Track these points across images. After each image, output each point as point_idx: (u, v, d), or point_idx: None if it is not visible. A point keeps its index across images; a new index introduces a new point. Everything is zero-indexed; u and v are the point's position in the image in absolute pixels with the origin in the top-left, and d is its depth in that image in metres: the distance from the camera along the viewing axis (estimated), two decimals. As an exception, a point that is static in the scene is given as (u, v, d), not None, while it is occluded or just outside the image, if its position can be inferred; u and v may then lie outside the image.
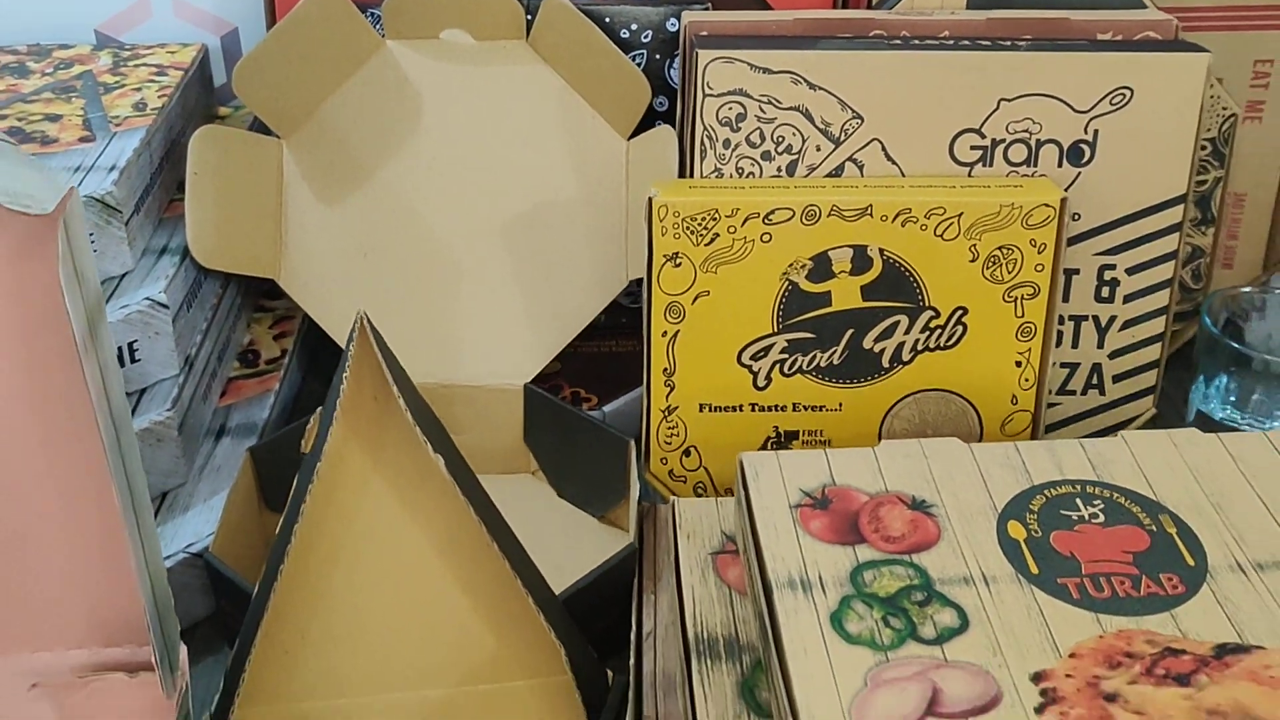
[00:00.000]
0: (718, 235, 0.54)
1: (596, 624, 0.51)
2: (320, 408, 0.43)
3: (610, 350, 0.70)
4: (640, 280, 0.57)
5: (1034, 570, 0.41)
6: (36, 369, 0.39)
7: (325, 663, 0.48)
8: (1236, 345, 0.59)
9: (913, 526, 0.43)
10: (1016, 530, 0.43)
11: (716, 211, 0.54)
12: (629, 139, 0.63)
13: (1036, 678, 0.38)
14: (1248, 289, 0.63)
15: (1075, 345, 0.60)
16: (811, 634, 0.39)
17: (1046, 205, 0.54)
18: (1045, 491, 0.45)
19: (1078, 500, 0.44)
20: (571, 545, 0.60)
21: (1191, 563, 0.42)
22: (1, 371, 0.38)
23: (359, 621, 0.47)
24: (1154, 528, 0.43)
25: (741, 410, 0.57)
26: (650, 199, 0.54)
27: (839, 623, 0.39)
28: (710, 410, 0.58)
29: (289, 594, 0.46)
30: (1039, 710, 0.36)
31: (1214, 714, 0.36)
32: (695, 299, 0.56)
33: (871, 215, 0.54)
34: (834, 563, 0.42)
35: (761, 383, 0.57)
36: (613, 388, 0.67)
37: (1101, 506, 0.44)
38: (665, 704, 0.48)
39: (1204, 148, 0.63)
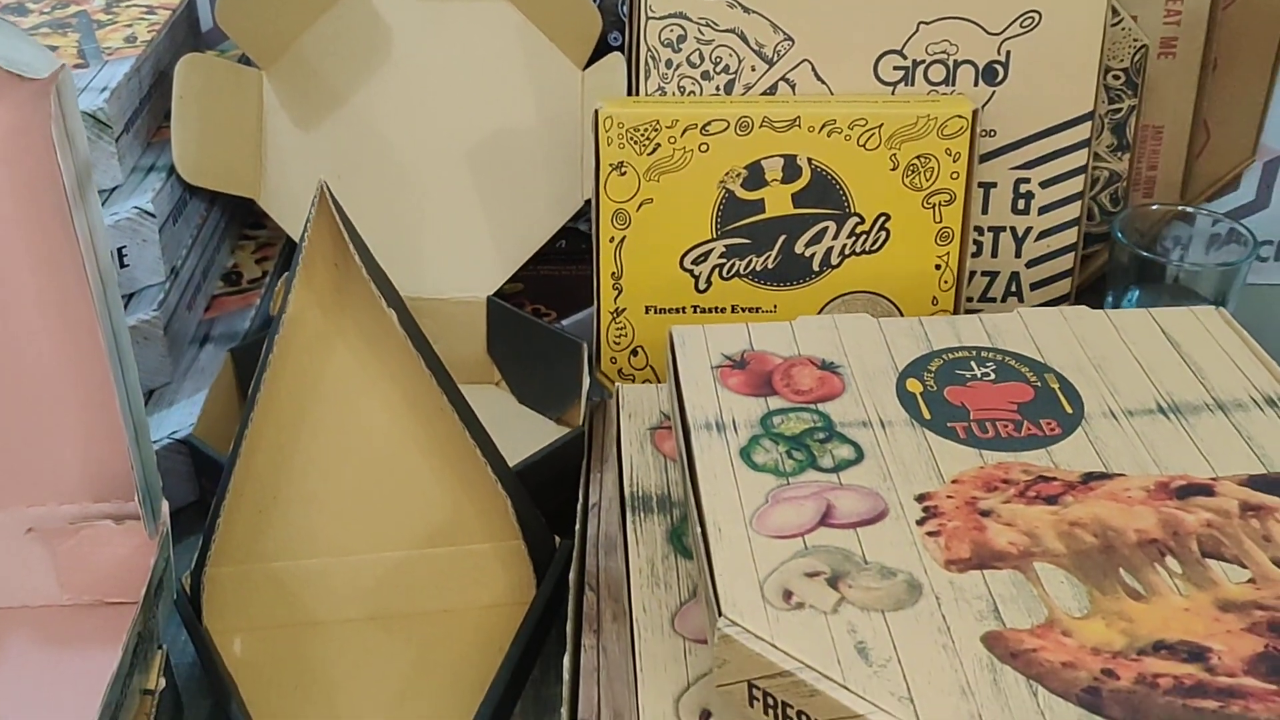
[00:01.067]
0: (659, 145, 0.59)
1: (548, 501, 0.56)
2: (285, 274, 0.47)
3: (570, 274, 0.74)
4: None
5: (926, 416, 0.46)
6: (30, 225, 0.43)
7: (294, 523, 0.52)
8: (1146, 254, 0.64)
9: (820, 382, 0.48)
10: (914, 386, 0.48)
11: (657, 122, 0.59)
12: (584, 69, 0.68)
13: (921, 498, 0.42)
14: (1157, 205, 0.68)
15: (995, 255, 0.65)
16: (722, 464, 0.44)
17: (959, 116, 0.59)
18: (943, 355, 0.49)
19: (972, 363, 0.49)
20: (530, 444, 0.65)
21: (1069, 410, 0.46)
22: (2, 220, 0.43)
23: (325, 483, 0.52)
24: (1039, 384, 0.48)
25: (684, 312, 0.62)
26: (596, 111, 0.59)
27: (747, 455, 0.44)
28: (655, 312, 0.62)
29: (257, 454, 0.50)
30: (920, 522, 0.41)
31: (1075, 525, 0.41)
32: (640, 206, 0.60)
33: (800, 126, 0.59)
34: (747, 410, 0.46)
35: (702, 286, 0.62)
36: (570, 306, 0.71)
37: (993, 367, 0.49)
38: (606, 561, 0.52)
39: (1117, 77, 0.67)
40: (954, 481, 0.43)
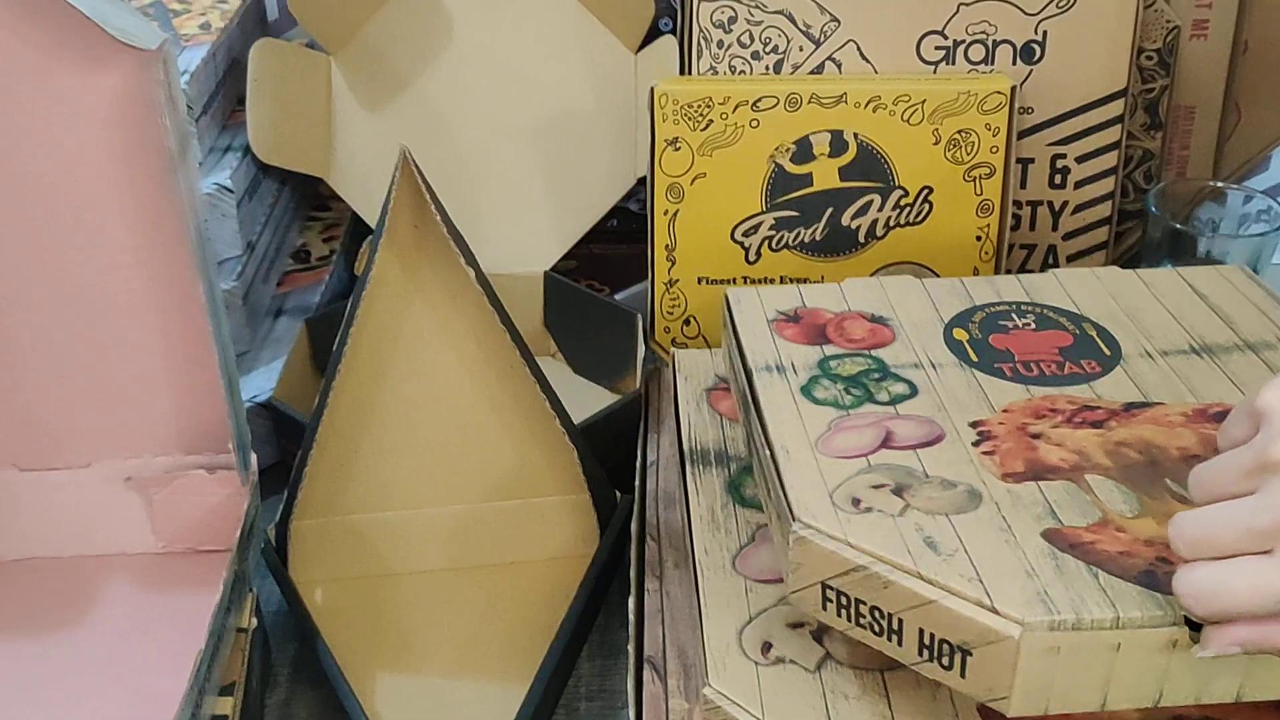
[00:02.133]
0: (712, 121, 0.62)
1: (607, 460, 0.59)
2: (370, 235, 0.51)
3: (621, 251, 0.77)
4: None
5: (974, 358, 0.49)
6: (133, 187, 0.46)
7: (374, 476, 0.55)
8: (1179, 226, 0.66)
9: (871, 333, 0.51)
10: (960, 334, 0.50)
11: (710, 99, 0.62)
12: (636, 52, 0.71)
13: (974, 424, 0.45)
14: (1192, 180, 0.70)
15: (1033, 228, 0.67)
16: (785, 400, 0.46)
17: (998, 92, 0.61)
18: (985, 309, 0.52)
19: (1013, 314, 0.52)
20: (586, 412, 0.68)
21: (1108, 353, 0.49)
22: (107, 183, 0.46)
23: (402, 436, 0.55)
24: (1077, 331, 0.50)
25: (735, 282, 0.65)
26: (652, 89, 0.62)
27: (808, 392, 0.47)
28: (707, 283, 0.65)
29: (340, 409, 0.53)
30: (975, 444, 0.44)
31: (1121, 444, 0.43)
32: (693, 180, 0.63)
33: (846, 102, 0.62)
34: (804, 355, 0.49)
35: (752, 257, 0.65)
36: (622, 281, 0.74)
37: (1033, 318, 0.51)
38: (665, 514, 0.55)
39: (1150, 57, 0.70)
40: (1005, 410, 0.46)
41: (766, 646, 0.44)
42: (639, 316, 0.66)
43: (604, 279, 0.75)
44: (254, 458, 0.53)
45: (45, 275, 0.49)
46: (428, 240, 0.50)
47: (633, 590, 0.50)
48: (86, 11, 0.43)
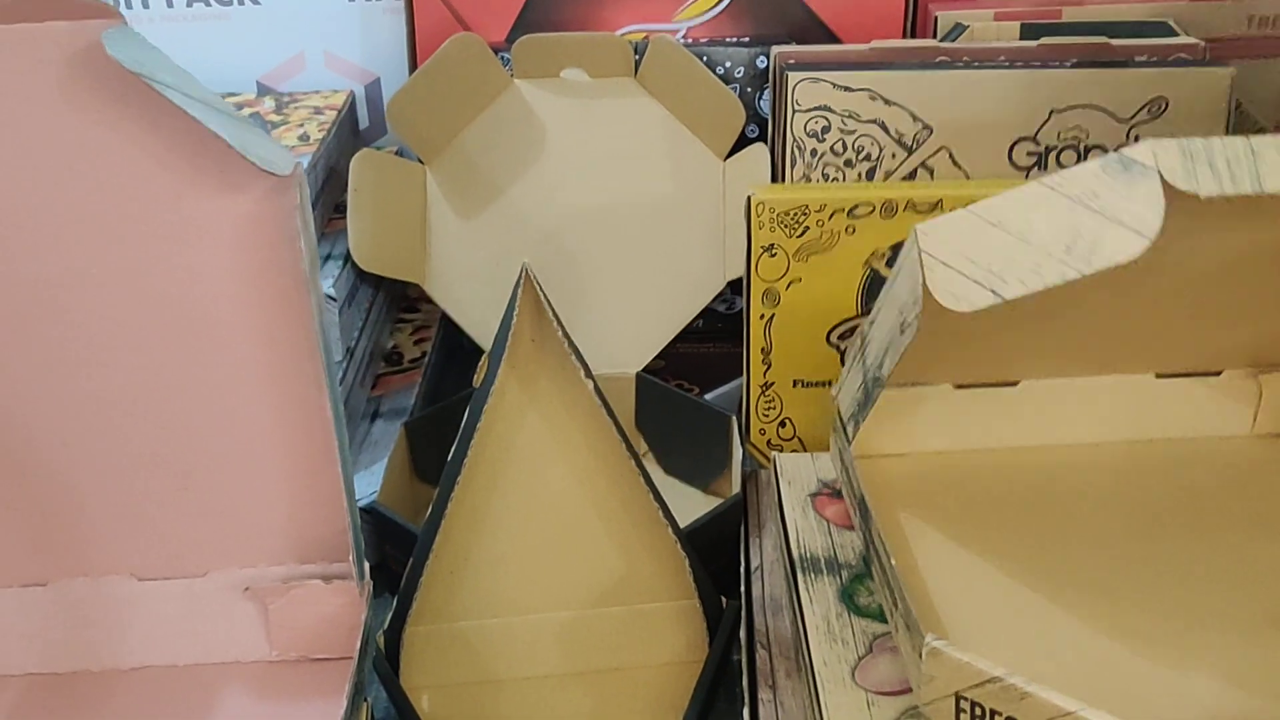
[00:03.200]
0: (808, 228, 0.63)
1: (708, 565, 0.59)
2: (489, 350, 0.51)
3: (709, 351, 0.78)
4: (735, 283, 0.65)
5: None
6: (263, 304, 0.48)
7: (482, 584, 0.56)
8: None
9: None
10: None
11: (806, 207, 0.63)
12: (725, 159, 0.73)
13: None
14: None
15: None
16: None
17: (1094, 197, 0.62)
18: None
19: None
20: (679, 513, 0.68)
21: None
22: (237, 302, 0.47)
23: (512, 545, 0.55)
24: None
25: (831, 385, 0.65)
26: (749, 197, 0.63)
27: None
28: (803, 385, 0.66)
29: (456, 519, 0.54)
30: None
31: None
32: (789, 285, 0.64)
33: (942, 208, 0.62)
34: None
35: (848, 360, 0.65)
36: (709, 381, 0.75)
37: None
38: (774, 621, 0.55)
39: (1237, 157, 0.70)
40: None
41: (894, 758, 0.44)
42: (732, 418, 0.67)
43: (692, 378, 0.76)
44: (366, 566, 0.53)
45: (170, 389, 0.50)
46: (545, 354, 0.51)
47: (746, 700, 0.50)
48: (225, 137, 0.45)
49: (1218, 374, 0.58)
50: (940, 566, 0.50)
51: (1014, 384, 0.57)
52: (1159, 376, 0.57)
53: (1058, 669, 0.44)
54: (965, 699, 0.40)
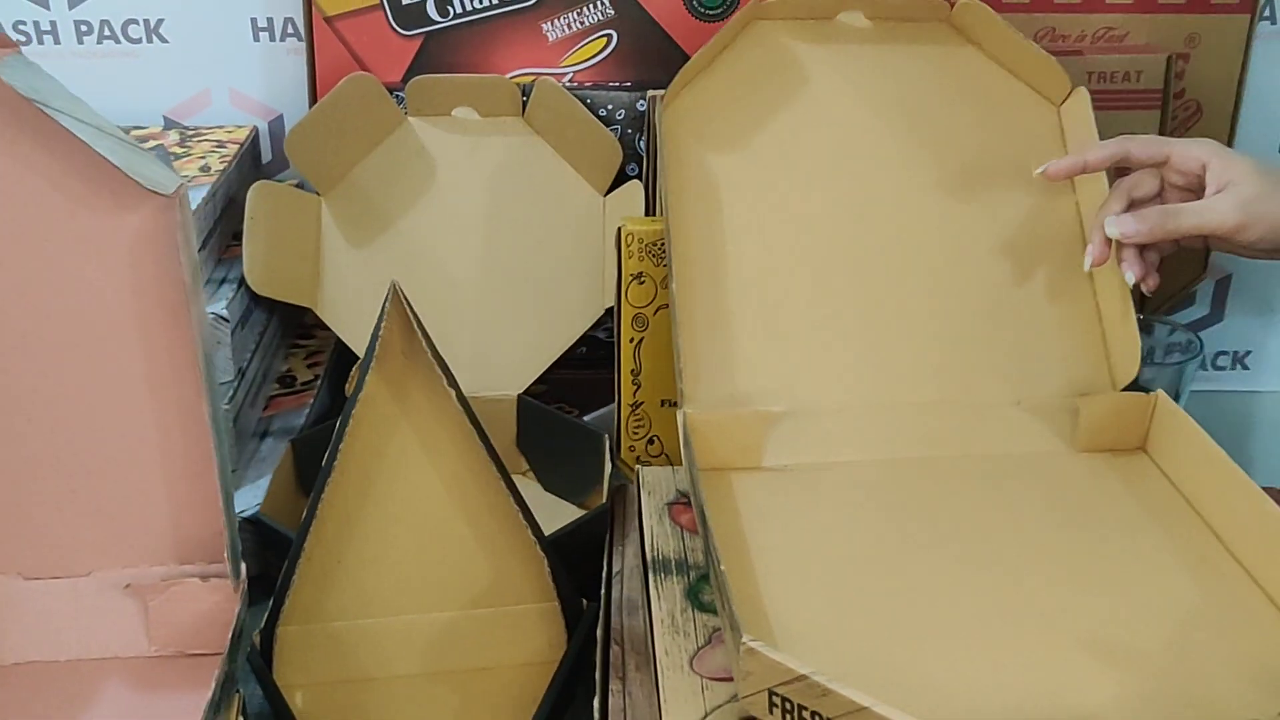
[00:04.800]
0: (673, 258, 0.68)
1: (575, 571, 0.63)
2: (359, 361, 0.55)
3: (590, 376, 0.82)
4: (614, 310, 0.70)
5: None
6: (147, 317, 0.51)
7: (355, 586, 0.59)
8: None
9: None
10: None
11: (671, 238, 0.67)
12: (605, 194, 0.77)
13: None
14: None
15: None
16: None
17: None
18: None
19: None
20: (556, 527, 0.72)
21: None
22: (124, 314, 0.51)
23: (383, 549, 0.58)
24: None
25: (695, 406, 0.70)
26: (620, 228, 0.67)
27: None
28: (670, 405, 0.70)
29: (327, 522, 0.57)
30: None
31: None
32: (657, 310, 0.68)
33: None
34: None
35: (711, 383, 0.69)
36: (590, 404, 0.79)
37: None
38: (629, 620, 0.59)
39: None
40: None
41: (720, 740, 0.48)
42: (606, 437, 0.71)
43: (573, 402, 0.80)
44: (244, 566, 0.56)
45: (61, 397, 0.53)
46: (415, 366, 0.54)
47: (598, 691, 0.54)
48: (113, 160, 0.49)
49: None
50: (776, 572, 0.54)
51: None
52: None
53: (871, 668, 0.48)
54: (777, 694, 0.45)
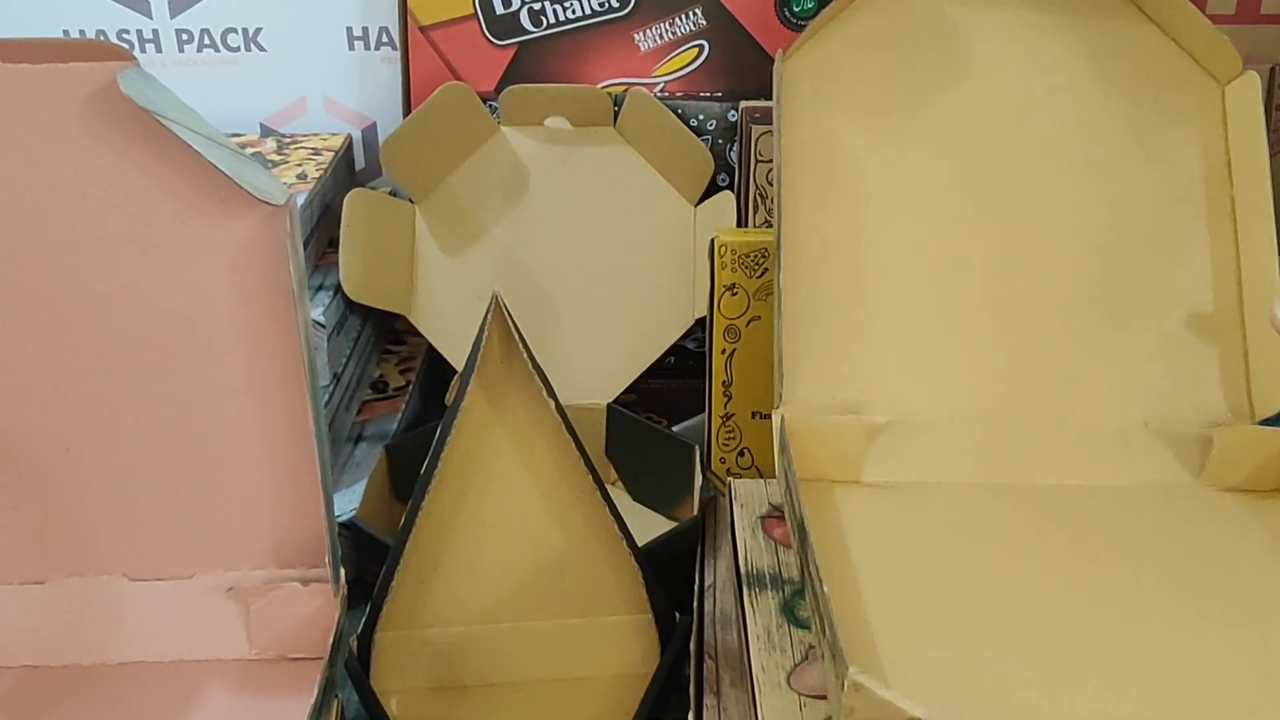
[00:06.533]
0: (766, 269, 0.67)
1: (666, 583, 0.63)
2: (460, 370, 0.56)
3: (679, 386, 0.82)
4: (704, 320, 0.70)
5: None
6: (253, 323, 0.52)
7: (450, 593, 0.59)
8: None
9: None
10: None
11: (765, 249, 0.67)
12: (696, 205, 0.77)
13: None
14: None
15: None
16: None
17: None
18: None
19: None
20: (646, 537, 0.72)
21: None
22: (230, 319, 0.52)
23: (479, 556, 0.59)
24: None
25: (787, 418, 0.69)
26: (712, 240, 0.67)
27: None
28: (761, 417, 0.70)
29: (425, 529, 0.57)
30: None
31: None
32: (749, 322, 0.68)
33: (892, 254, 0.67)
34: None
35: (804, 395, 0.69)
36: (678, 414, 0.79)
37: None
38: (723, 635, 0.59)
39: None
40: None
41: (820, 756, 0.48)
42: (695, 448, 0.71)
43: (662, 412, 0.80)
44: (343, 571, 0.57)
45: (168, 400, 0.54)
46: (513, 375, 0.55)
47: (692, 706, 0.54)
48: (224, 169, 0.49)
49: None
50: (880, 598, 0.51)
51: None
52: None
53: (983, 712, 0.45)
54: None
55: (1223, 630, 0.49)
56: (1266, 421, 0.59)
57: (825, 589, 0.46)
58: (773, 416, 0.57)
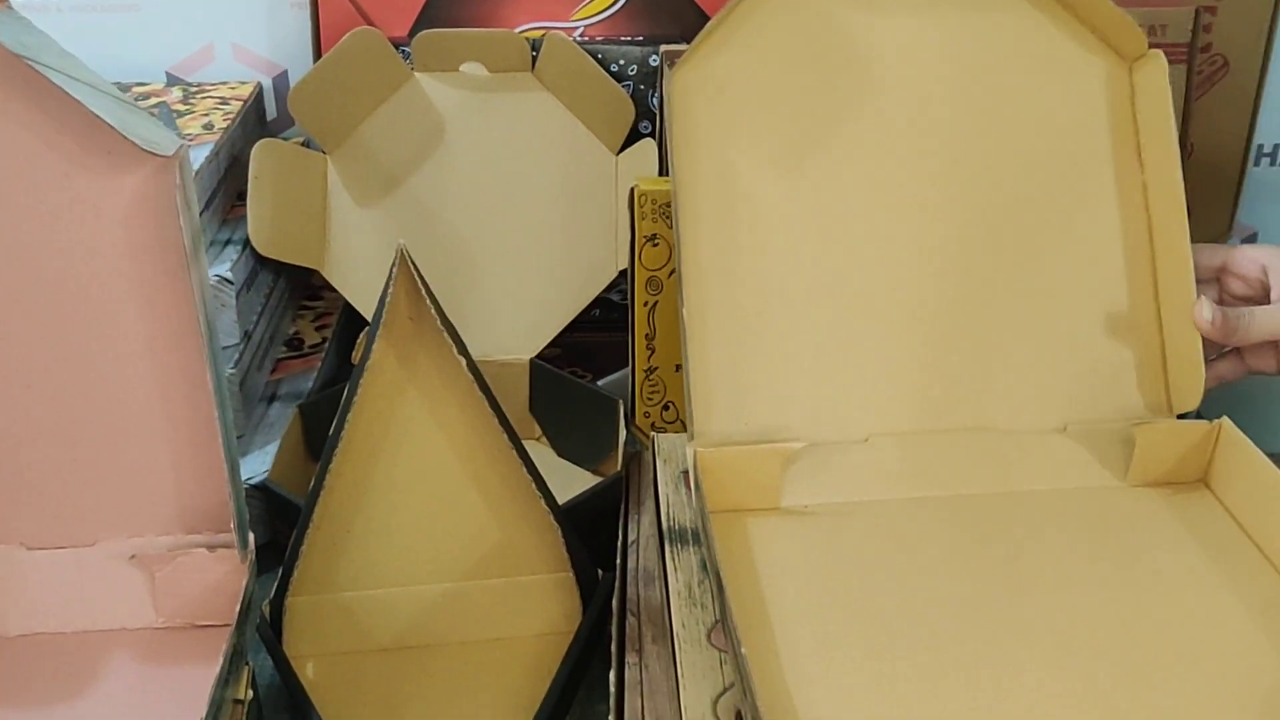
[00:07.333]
0: (689, 219, 0.66)
1: (589, 540, 0.61)
2: (367, 326, 0.54)
3: (604, 339, 0.80)
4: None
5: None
6: (146, 281, 0.49)
7: (365, 556, 0.58)
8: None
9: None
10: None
11: (687, 199, 0.65)
12: (618, 153, 0.75)
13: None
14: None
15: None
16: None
17: None
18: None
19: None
20: (569, 493, 0.70)
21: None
22: (123, 278, 0.49)
23: (394, 518, 0.57)
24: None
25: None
26: (633, 189, 0.66)
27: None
28: (685, 370, 0.68)
29: (336, 492, 0.56)
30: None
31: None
32: (670, 273, 0.67)
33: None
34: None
35: (727, 346, 0.68)
36: (603, 368, 0.78)
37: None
38: (645, 591, 0.58)
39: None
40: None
41: (739, 716, 0.47)
42: (620, 402, 0.70)
43: (587, 365, 0.79)
44: (251, 536, 0.55)
45: (61, 363, 0.52)
46: (422, 331, 0.53)
47: (614, 663, 0.53)
48: (110, 120, 0.47)
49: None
50: (800, 644, 0.49)
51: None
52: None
53: None
54: None
55: (1152, 646, 0.49)
56: (1182, 417, 0.59)
57: (744, 650, 0.44)
58: (686, 452, 0.55)
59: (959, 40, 0.59)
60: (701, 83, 0.57)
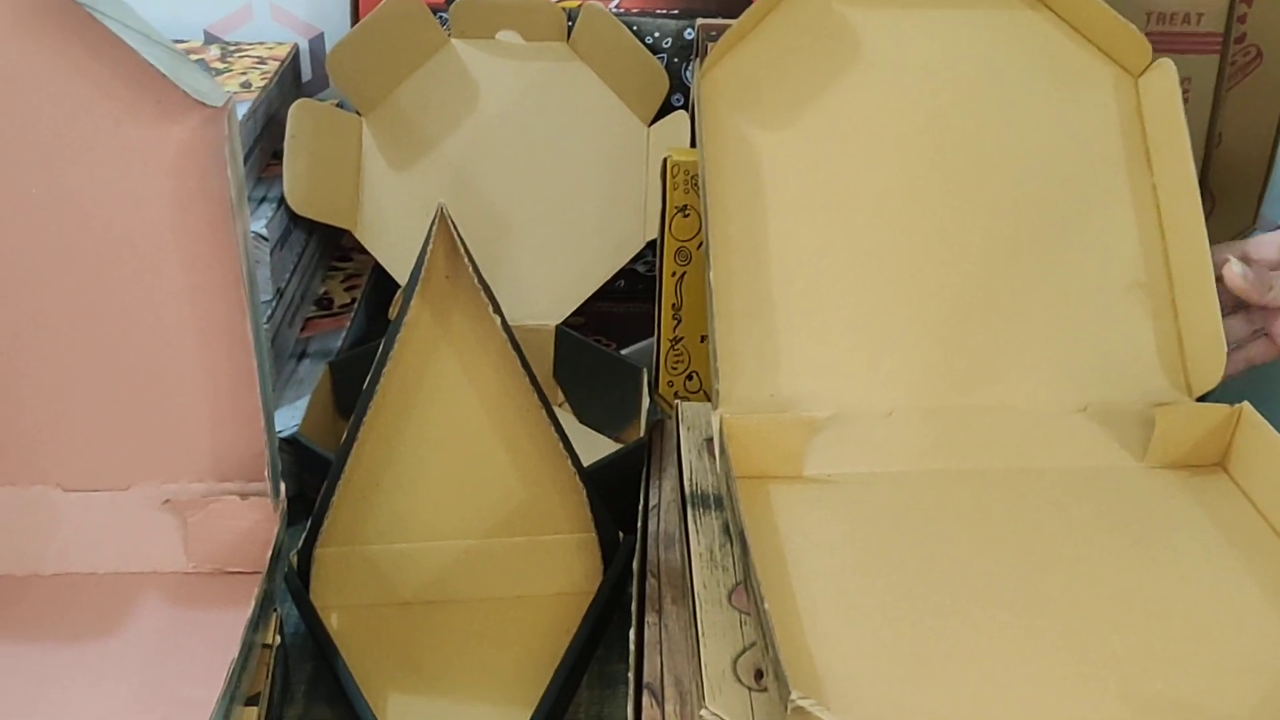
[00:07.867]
0: (720, 191, 0.67)
1: (611, 504, 0.62)
2: (404, 285, 0.55)
3: (628, 310, 0.81)
4: (654, 243, 0.69)
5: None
6: (190, 231, 0.50)
7: (392, 509, 0.59)
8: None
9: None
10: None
11: (719, 171, 0.66)
12: (650, 125, 0.76)
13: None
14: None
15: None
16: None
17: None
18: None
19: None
20: (592, 459, 0.71)
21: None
22: (167, 228, 0.50)
23: (422, 473, 0.58)
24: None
25: (736, 342, 0.69)
26: (665, 160, 0.66)
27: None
28: (710, 340, 0.69)
29: (367, 444, 0.57)
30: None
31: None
32: (700, 245, 0.68)
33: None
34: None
35: (753, 319, 0.69)
36: (627, 338, 0.79)
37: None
38: (665, 554, 0.59)
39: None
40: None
41: (759, 674, 0.48)
42: (644, 371, 0.70)
43: (610, 335, 0.79)
44: (283, 486, 0.56)
45: (103, 309, 0.52)
46: (459, 290, 0.54)
47: (634, 622, 0.54)
48: (162, 69, 0.48)
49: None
50: (822, 607, 0.49)
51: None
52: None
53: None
54: None
55: (1164, 626, 0.49)
56: (1203, 398, 0.59)
57: (767, 606, 0.45)
58: (712, 419, 0.56)
59: (973, 35, 0.62)
60: (726, 81, 0.61)
